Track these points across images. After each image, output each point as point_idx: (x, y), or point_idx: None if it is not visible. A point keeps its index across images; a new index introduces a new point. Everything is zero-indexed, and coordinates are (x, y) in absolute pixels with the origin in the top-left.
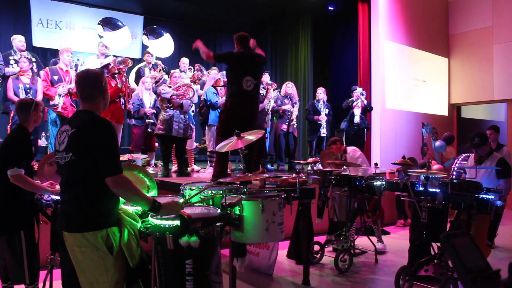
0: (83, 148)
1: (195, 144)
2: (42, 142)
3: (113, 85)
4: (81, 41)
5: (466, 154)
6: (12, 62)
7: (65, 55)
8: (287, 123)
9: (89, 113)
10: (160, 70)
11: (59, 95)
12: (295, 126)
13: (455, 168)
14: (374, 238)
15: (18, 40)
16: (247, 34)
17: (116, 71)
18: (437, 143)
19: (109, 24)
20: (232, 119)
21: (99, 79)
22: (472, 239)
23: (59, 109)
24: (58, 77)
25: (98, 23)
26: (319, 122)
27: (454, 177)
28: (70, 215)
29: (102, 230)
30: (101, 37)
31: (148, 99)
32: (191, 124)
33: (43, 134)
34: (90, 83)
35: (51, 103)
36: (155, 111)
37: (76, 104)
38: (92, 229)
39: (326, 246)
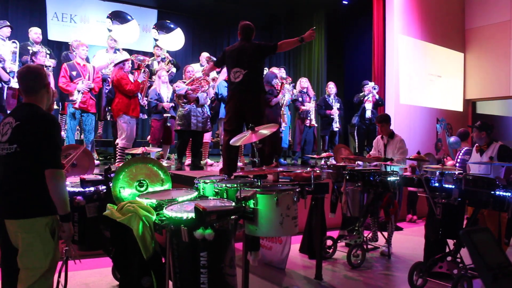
0: (28, 140)
1: (211, 138)
2: None
3: (132, 81)
4: (96, 35)
5: (467, 148)
6: (30, 53)
7: (80, 49)
8: (309, 118)
9: (33, 106)
10: (168, 63)
11: (78, 91)
12: (313, 121)
13: (459, 160)
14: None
15: (33, 32)
16: (250, 26)
17: (136, 67)
18: (452, 139)
19: (118, 17)
20: (229, 113)
21: (41, 73)
22: (492, 235)
23: (76, 105)
24: (76, 72)
25: (107, 17)
26: (331, 116)
27: (458, 167)
28: (15, 203)
29: (47, 216)
30: (110, 30)
31: (166, 93)
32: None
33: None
34: (33, 76)
35: (70, 98)
36: (173, 104)
37: (96, 98)
38: (38, 215)
39: (339, 241)
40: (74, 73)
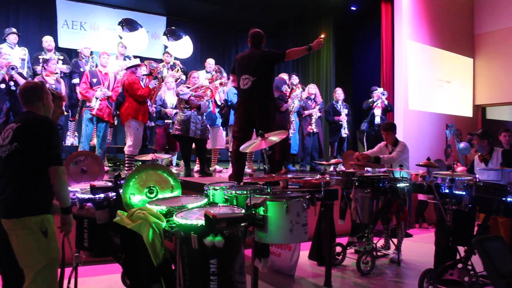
0: (28, 139)
1: (225, 145)
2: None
3: (143, 86)
4: (105, 42)
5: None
6: (41, 61)
7: (102, 58)
8: (311, 124)
9: (31, 112)
10: (178, 70)
11: (96, 98)
12: (313, 126)
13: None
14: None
15: (45, 41)
16: (259, 33)
17: (148, 73)
18: (461, 144)
19: (128, 24)
20: (238, 120)
21: (38, 88)
22: (505, 243)
23: (94, 112)
24: (97, 79)
25: (119, 24)
26: (340, 122)
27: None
28: (8, 202)
29: (37, 216)
30: (121, 37)
31: (171, 99)
32: (208, 126)
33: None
34: (30, 89)
35: (88, 104)
36: (177, 111)
37: (112, 106)
38: (28, 214)
39: (348, 247)
40: (94, 80)
